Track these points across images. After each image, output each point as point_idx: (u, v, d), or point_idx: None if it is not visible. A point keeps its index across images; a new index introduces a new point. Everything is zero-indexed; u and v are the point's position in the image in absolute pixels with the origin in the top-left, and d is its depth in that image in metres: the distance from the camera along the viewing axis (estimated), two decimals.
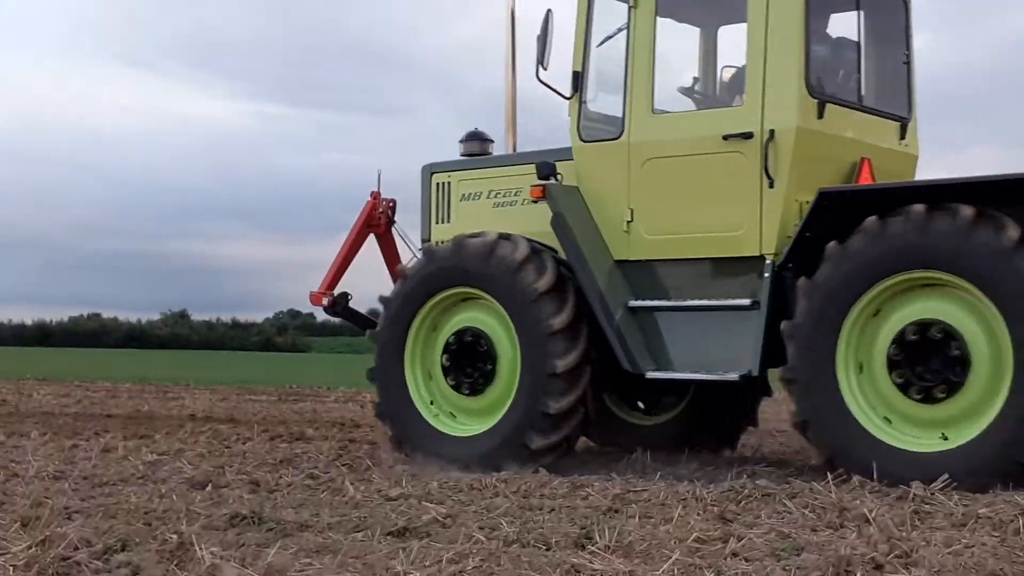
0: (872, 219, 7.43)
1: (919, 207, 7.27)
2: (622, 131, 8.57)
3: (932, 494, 6.97)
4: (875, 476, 7.18)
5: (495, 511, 6.72)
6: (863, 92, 8.71)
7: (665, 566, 5.01)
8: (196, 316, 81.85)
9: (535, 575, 4.73)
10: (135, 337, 74.56)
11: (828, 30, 8.66)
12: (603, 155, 8.64)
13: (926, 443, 7.27)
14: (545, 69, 8.63)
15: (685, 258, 8.34)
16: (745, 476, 7.68)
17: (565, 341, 8.35)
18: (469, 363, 8.85)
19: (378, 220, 10.37)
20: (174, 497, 7.35)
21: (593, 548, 5.47)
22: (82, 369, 32.78)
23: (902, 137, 8.84)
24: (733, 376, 7.99)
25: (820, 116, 8.05)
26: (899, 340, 7.34)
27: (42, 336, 72.27)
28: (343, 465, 9.10)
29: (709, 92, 9.24)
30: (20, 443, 10.97)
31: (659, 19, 8.63)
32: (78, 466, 8.91)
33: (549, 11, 8.61)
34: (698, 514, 6.59)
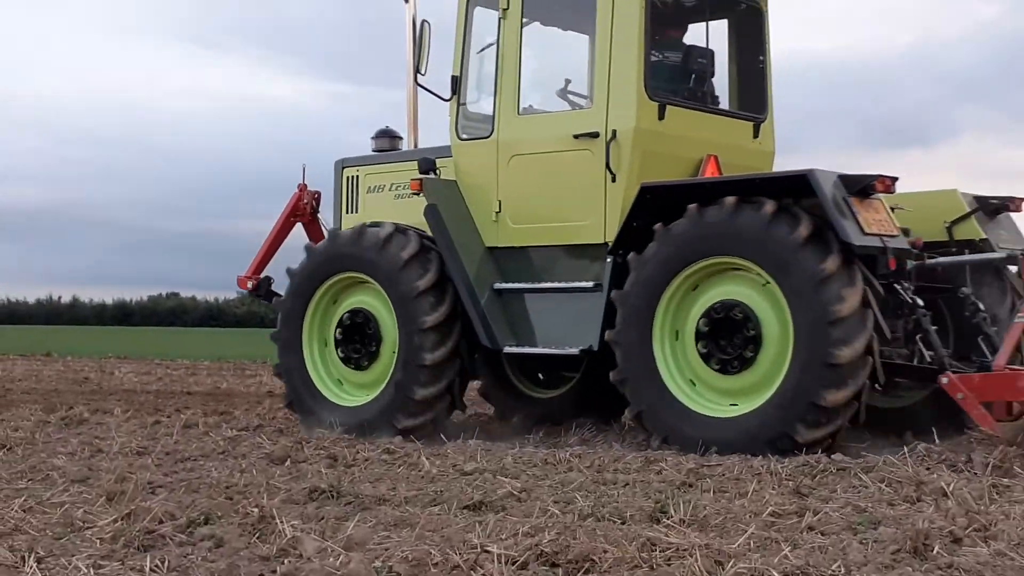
0: (693, 207, 8.18)
1: (730, 199, 8.02)
2: (492, 130, 9.39)
3: (1011, 467, 6.92)
4: (688, 442, 7.98)
5: (569, 485, 6.77)
6: (714, 95, 9.57)
7: (741, 539, 5.02)
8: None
9: (611, 548, 4.76)
10: (213, 316, 75.66)
11: (685, 38, 9.51)
12: (477, 152, 9.46)
13: (719, 409, 8.12)
14: (423, 75, 9.60)
15: (543, 245, 9.20)
16: (820, 450, 7.64)
17: (437, 337, 9.22)
18: (358, 340, 9.69)
19: (303, 210, 11.21)
20: (254, 472, 7.48)
21: (668, 522, 5.49)
22: (162, 347, 33.38)
23: (756, 136, 9.60)
24: (574, 351, 8.86)
25: (661, 117, 8.88)
26: (708, 315, 8.16)
27: (122, 315, 73.60)
28: (418, 439, 9.20)
29: (581, 93, 9.77)
30: (104, 420, 11.23)
31: (541, 26, 9.57)
32: (160, 442, 9.10)
33: (424, 22, 9.59)
34: (773, 488, 6.58)
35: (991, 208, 9.05)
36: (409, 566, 4.64)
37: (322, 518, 5.72)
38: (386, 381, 9.45)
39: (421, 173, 9.63)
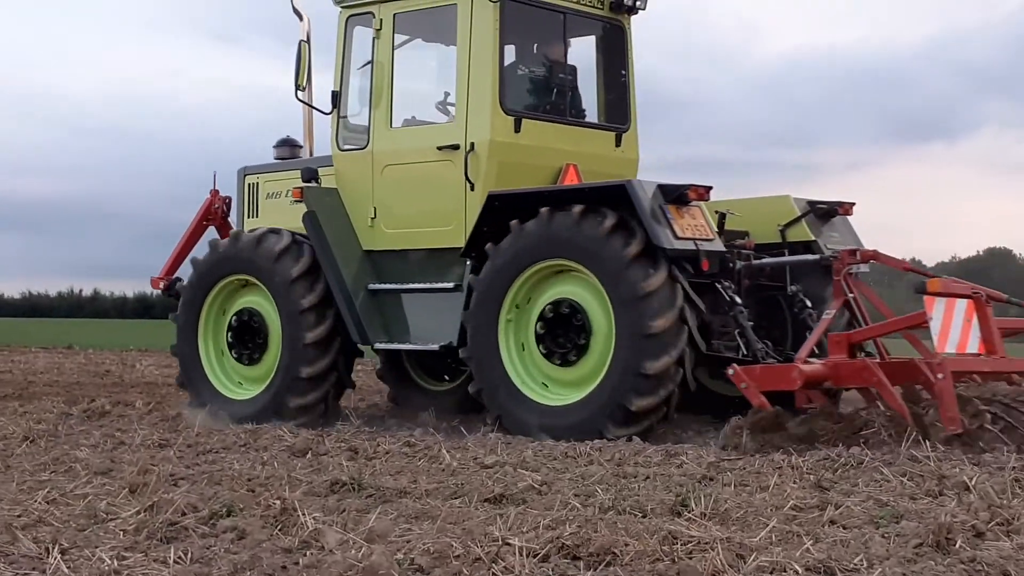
0: (515, 222, 9.00)
1: (545, 209, 8.87)
2: (368, 142, 10.06)
3: None
4: (520, 427, 8.79)
5: (590, 478, 6.77)
6: (580, 107, 10.26)
7: (763, 533, 5.02)
8: None
9: (632, 541, 4.76)
10: None
11: (555, 54, 10.08)
12: (355, 162, 10.12)
13: (562, 398, 8.86)
14: (303, 90, 10.23)
15: (412, 248, 9.90)
16: (840, 444, 7.62)
17: (315, 317, 9.87)
18: (249, 338, 10.40)
19: (215, 214, 11.82)
20: (276, 464, 7.52)
21: (689, 515, 5.49)
22: None
23: (618, 145, 10.24)
24: (434, 346, 9.64)
25: (517, 130, 9.56)
26: (542, 318, 8.96)
27: (143, 308, 73.78)
28: (438, 432, 9.22)
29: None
30: (125, 412, 11.29)
31: (423, 42, 10.30)
32: (182, 435, 9.14)
33: (301, 42, 10.19)
34: (794, 482, 6.57)
35: (822, 212, 9.78)
36: (431, 558, 4.65)
37: (343, 510, 5.75)
38: (275, 369, 10.10)
39: (304, 182, 10.27)
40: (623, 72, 10.33)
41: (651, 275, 8.45)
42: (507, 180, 9.41)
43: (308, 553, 4.80)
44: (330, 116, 10.28)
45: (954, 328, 7.89)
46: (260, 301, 10.28)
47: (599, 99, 10.44)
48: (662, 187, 8.63)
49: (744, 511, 5.59)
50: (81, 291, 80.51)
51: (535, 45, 10.20)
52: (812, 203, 9.74)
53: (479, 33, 9.44)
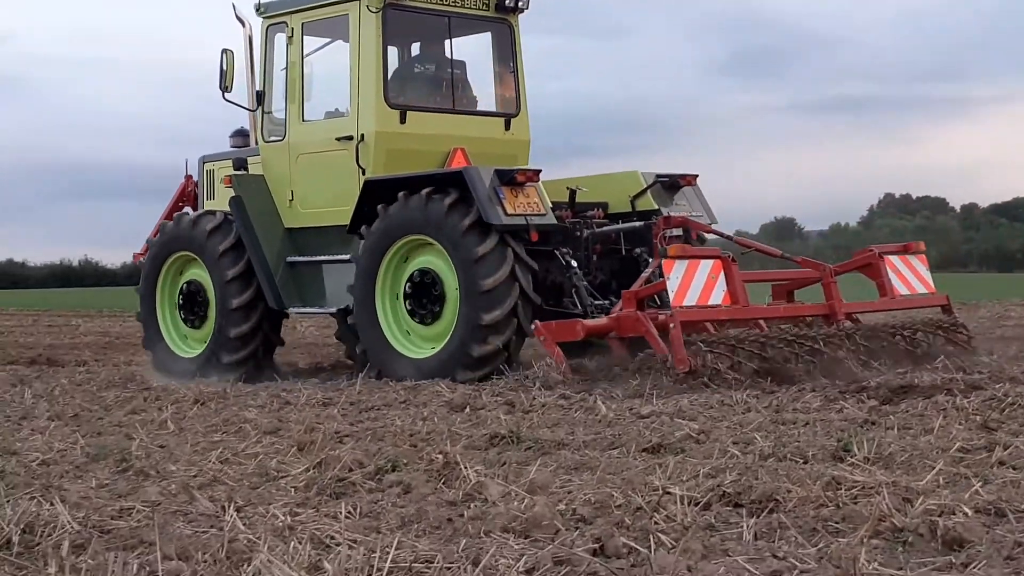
0: (381, 205, 10.48)
1: (402, 193, 10.34)
2: (285, 134, 11.50)
3: None
4: (396, 377, 10.07)
5: (748, 426, 6.73)
6: (468, 98, 11.67)
7: (929, 476, 4.93)
8: None
9: (795, 488, 4.73)
10: None
11: (447, 53, 11.50)
12: (276, 152, 11.58)
13: (424, 352, 10.35)
14: (229, 92, 11.48)
15: (321, 226, 11.24)
16: (1007, 383, 7.43)
17: (239, 285, 11.37)
18: (192, 305, 11.92)
19: (189, 196, 13.03)
20: (436, 420, 7.67)
21: (852, 460, 5.42)
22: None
23: (508, 129, 11.64)
24: (332, 309, 11.10)
25: (403, 121, 10.94)
26: (411, 280, 10.43)
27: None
28: (593, 382, 9.25)
29: None
30: (290, 373, 11.64)
31: (342, 43, 11.28)
32: (344, 393, 9.38)
33: (224, 50, 11.38)
34: (960, 424, 6.43)
35: (668, 184, 11.33)
36: (592, 508, 4.70)
37: (504, 463, 5.84)
38: (212, 330, 11.63)
39: (235, 170, 11.78)
40: (512, 64, 11.73)
41: (483, 243, 9.91)
42: (395, 165, 10.83)
43: (472, 505, 4.90)
44: (255, 113, 11.84)
45: (695, 285, 9.24)
46: (201, 274, 11.81)
47: (496, 89, 11.86)
48: (498, 172, 10.10)
49: (909, 454, 5.50)
50: None
51: (422, 45, 11.80)
52: (660, 176, 11.30)
53: (365, 38, 10.86)
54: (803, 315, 10.10)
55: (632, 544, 4.08)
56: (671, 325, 8.81)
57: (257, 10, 11.63)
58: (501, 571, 3.47)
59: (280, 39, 11.53)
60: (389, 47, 11.24)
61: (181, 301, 12.03)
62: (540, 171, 10.29)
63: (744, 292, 9.47)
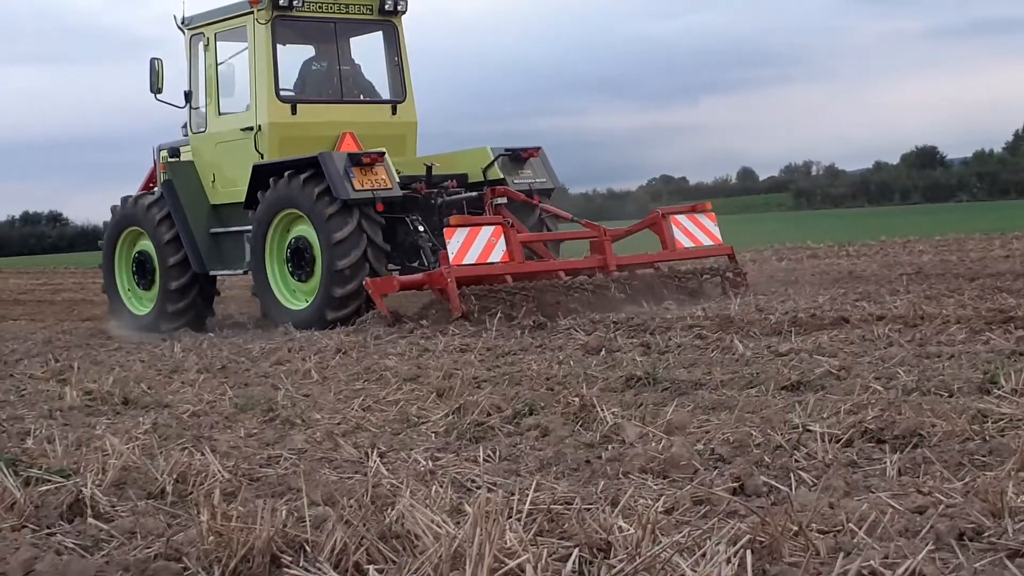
0: (260, 191, 12.70)
1: (274, 177, 12.53)
2: (206, 126, 13.71)
3: None
4: (278, 325, 12.13)
5: (890, 361, 6.60)
6: (360, 88, 13.79)
7: None
8: (573, 190, 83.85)
9: (939, 422, 4.63)
10: None
11: (337, 51, 13.53)
12: (201, 141, 13.82)
13: (301, 305, 12.44)
14: (160, 93, 13.55)
15: (234, 202, 13.28)
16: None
17: (173, 248, 13.66)
18: (142, 271, 14.26)
19: (157, 180, 14.74)
20: (571, 363, 7.69)
21: (999, 392, 5.28)
22: None
23: (394, 113, 13.69)
24: (240, 271, 13.46)
25: (294, 113, 13.08)
26: (290, 247, 12.59)
27: None
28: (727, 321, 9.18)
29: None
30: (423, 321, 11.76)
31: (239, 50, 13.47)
32: (481, 339, 9.47)
33: (153, 59, 13.50)
34: None
35: (514, 157, 13.38)
36: (731, 448, 4.68)
37: (640, 404, 5.84)
38: (157, 293, 13.99)
39: (169, 158, 14.09)
40: (397, 58, 13.74)
41: (332, 208, 11.95)
42: (289, 150, 12.81)
43: (609, 447, 4.92)
44: (184, 109, 13.83)
45: (475, 248, 11.27)
46: (148, 244, 14.07)
47: (386, 79, 13.87)
48: (351, 156, 12.14)
49: None
50: None
51: (316, 47, 13.74)
52: (508, 150, 13.37)
53: (258, 44, 12.91)
54: (576, 268, 12.14)
55: (772, 483, 4.05)
56: (448, 280, 10.88)
57: (182, 23, 13.83)
58: (640, 511, 3.48)
59: (200, 47, 13.67)
60: (289, 48, 13.52)
61: (135, 268, 14.38)
62: (384, 153, 12.36)
63: (520, 251, 11.62)
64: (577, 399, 5.70)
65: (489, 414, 5.74)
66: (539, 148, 13.59)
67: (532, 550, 3.21)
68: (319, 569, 3.30)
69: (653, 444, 4.80)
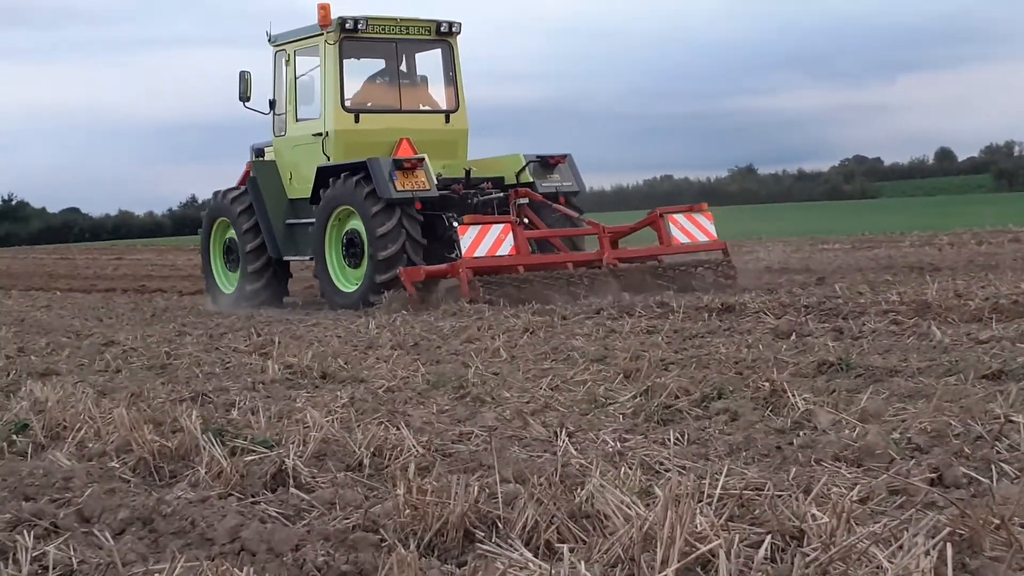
0: (323, 188, 14.74)
1: (332, 177, 14.48)
2: (286, 131, 15.74)
3: None
4: (337, 306, 14.30)
5: None
6: (422, 99, 15.74)
7: None
8: (763, 170, 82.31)
9: None
10: (706, 194, 76.35)
11: (400, 67, 15.57)
12: (282, 143, 15.87)
13: (351, 288, 14.36)
14: (248, 101, 15.69)
15: (306, 198, 15.16)
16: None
17: (251, 236, 15.63)
18: (230, 255, 16.30)
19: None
20: (761, 347, 7.59)
21: None
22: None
23: (447, 122, 15.59)
24: (307, 257, 15.39)
25: (357, 121, 15.04)
26: (345, 238, 14.52)
27: (618, 200, 76.03)
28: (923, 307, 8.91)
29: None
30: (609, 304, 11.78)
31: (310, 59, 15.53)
32: (668, 321, 9.43)
33: (243, 72, 15.73)
34: None
35: (545, 163, 15.12)
36: (928, 437, 4.56)
37: (833, 391, 5.73)
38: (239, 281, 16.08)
39: (255, 158, 16.50)
40: (452, 72, 15.61)
41: (378, 206, 13.80)
42: (352, 154, 14.63)
43: (801, 434, 4.85)
44: (269, 115, 15.84)
45: (486, 242, 13.08)
46: (232, 232, 16.13)
47: (442, 91, 15.71)
48: (395, 161, 13.96)
49: None
50: None
51: (377, 63, 15.68)
52: (539, 157, 15.08)
53: (328, 61, 14.83)
54: (577, 261, 13.69)
55: (972, 474, 3.94)
56: (460, 270, 12.78)
57: (269, 40, 15.80)
58: (834, 500, 3.43)
59: (283, 61, 15.66)
60: (357, 64, 15.39)
61: (225, 251, 16.46)
62: (424, 158, 14.11)
63: (526, 245, 13.53)
64: (767, 384, 5.63)
65: (677, 397, 5.72)
66: (566, 155, 15.34)
67: (724, 535, 3.21)
68: (511, 545, 3.36)
69: (847, 432, 4.72)
